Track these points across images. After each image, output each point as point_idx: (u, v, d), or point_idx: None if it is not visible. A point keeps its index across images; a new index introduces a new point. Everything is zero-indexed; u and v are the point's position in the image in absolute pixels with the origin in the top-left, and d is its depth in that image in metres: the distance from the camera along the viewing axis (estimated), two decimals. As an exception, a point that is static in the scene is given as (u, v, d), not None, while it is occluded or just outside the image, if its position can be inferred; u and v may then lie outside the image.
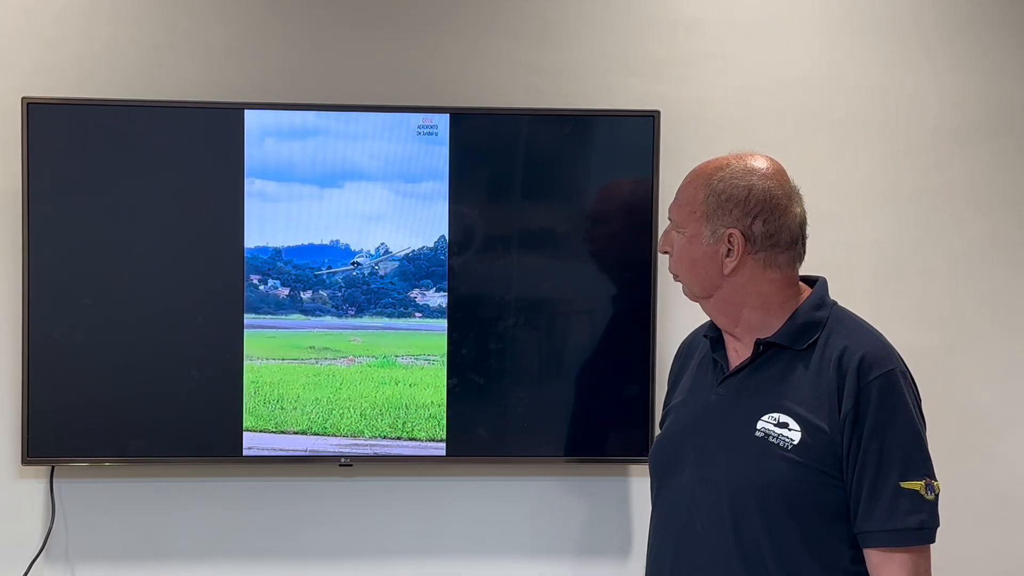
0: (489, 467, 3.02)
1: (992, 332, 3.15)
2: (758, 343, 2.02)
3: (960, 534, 2.99)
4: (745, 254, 1.99)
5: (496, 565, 3.04)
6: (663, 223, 2.89)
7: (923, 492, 1.91)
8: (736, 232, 1.99)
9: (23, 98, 2.78)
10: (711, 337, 2.12)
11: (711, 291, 2.04)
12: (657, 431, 2.31)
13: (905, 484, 1.91)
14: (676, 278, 2.09)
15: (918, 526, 1.90)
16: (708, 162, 2.06)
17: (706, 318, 2.14)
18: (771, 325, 2.03)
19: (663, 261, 2.90)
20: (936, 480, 1.94)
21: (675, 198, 2.08)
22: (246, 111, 2.83)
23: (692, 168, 2.08)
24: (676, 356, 2.30)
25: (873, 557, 1.93)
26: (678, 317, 2.83)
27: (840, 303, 2.10)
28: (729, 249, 2.00)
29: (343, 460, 2.89)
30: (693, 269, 2.04)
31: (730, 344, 2.09)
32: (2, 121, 2.85)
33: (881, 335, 2.03)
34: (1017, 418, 3.16)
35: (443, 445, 2.90)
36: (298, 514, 2.99)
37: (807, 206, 2.06)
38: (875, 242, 3.11)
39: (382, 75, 2.98)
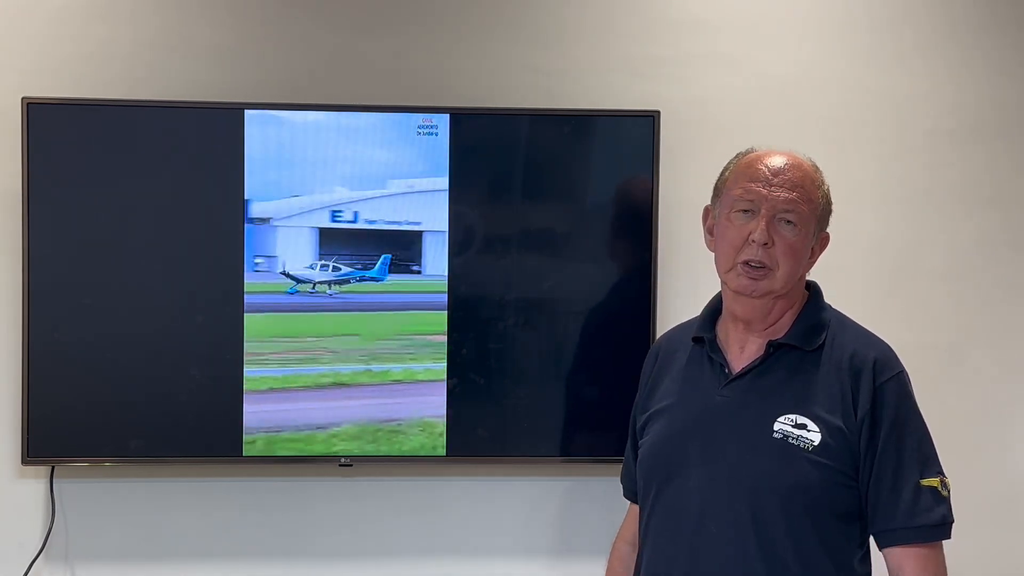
0: (489, 467, 3.02)
1: (994, 332, 3.15)
2: (770, 344, 2.02)
3: (961, 534, 2.97)
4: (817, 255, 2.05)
5: (496, 565, 3.04)
6: (663, 223, 2.92)
7: (940, 489, 1.96)
8: (827, 235, 2.07)
9: (23, 98, 2.78)
10: (708, 338, 2.11)
11: (790, 288, 2.03)
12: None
13: (924, 482, 1.95)
14: (759, 269, 1.98)
15: (940, 521, 1.95)
16: (797, 157, 2.02)
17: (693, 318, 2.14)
18: (784, 326, 2.04)
19: (663, 261, 2.94)
20: (947, 477, 1.98)
21: (791, 192, 1.97)
22: (246, 111, 2.82)
23: (742, 160, 2.06)
24: (649, 358, 2.26)
25: (896, 555, 1.95)
26: (678, 317, 2.82)
27: (840, 303, 2.11)
28: (812, 250, 2.04)
29: (343, 460, 2.88)
30: (797, 266, 2.00)
31: (735, 343, 2.07)
32: (2, 121, 2.85)
33: (880, 338, 2.05)
34: (1017, 418, 3.16)
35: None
36: (298, 514, 2.99)
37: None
38: (876, 242, 3.11)
39: (382, 75, 2.98)
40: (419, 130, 2.87)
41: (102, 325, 2.82)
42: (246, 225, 2.83)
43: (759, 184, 1.99)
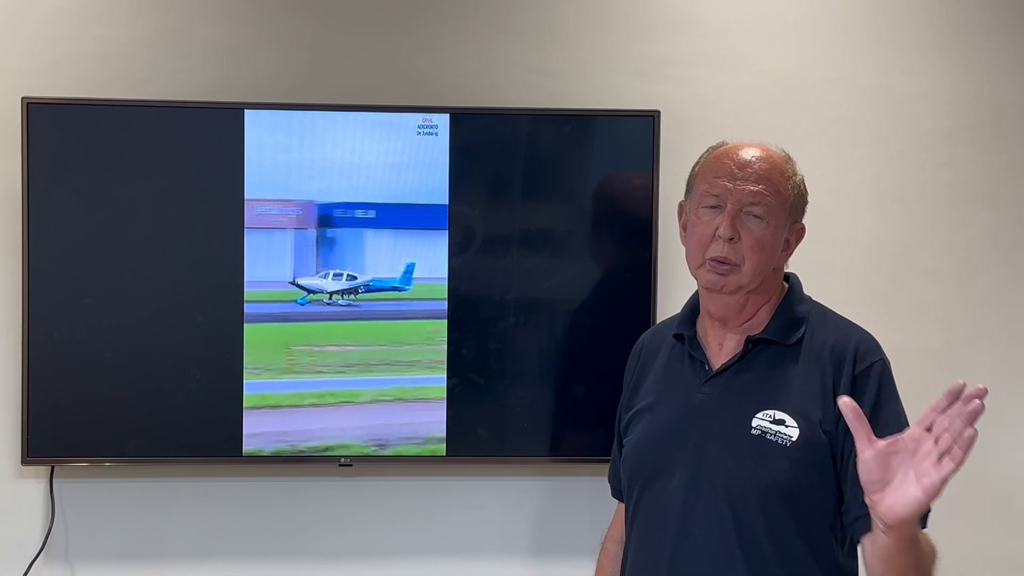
0: (489, 467, 3.02)
1: (992, 332, 3.14)
2: (748, 340, 2.01)
3: (960, 534, 2.99)
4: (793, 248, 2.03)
5: (497, 565, 3.04)
6: (663, 222, 2.92)
7: None
8: (802, 227, 2.03)
9: (23, 98, 2.78)
10: (687, 335, 2.10)
11: (760, 283, 2.01)
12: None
13: None
14: (725, 265, 1.97)
15: None
16: (767, 149, 2.01)
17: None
18: (762, 320, 2.03)
19: (663, 261, 2.94)
20: None
21: (757, 186, 1.96)
22: (246, 111, 2.82)
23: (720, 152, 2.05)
24: (633, 356, 2.26)
25: (871, 539, 1.91)
26: (678, 317, 2.83)
27: (838, 302, 2.11)
28: (787, 242, 2.01)
29: (343, 460, 2.88)
30: (766, 261, 1.98)
31: (713, 340, 2.07)
32: (2, 121, 2.85)
33: (862, 327, 2.04)
34: (1017, 418, 3.16)
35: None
36: (298, 514, 2.99)
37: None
38: (875, 242, 3.11)
39: (382, 75, 2.98)
40: (419, 130, 2.87)
41: (102, 325, 2.82)
42: (246, 224, 2.82)
43: (724, 179, 1.98)
